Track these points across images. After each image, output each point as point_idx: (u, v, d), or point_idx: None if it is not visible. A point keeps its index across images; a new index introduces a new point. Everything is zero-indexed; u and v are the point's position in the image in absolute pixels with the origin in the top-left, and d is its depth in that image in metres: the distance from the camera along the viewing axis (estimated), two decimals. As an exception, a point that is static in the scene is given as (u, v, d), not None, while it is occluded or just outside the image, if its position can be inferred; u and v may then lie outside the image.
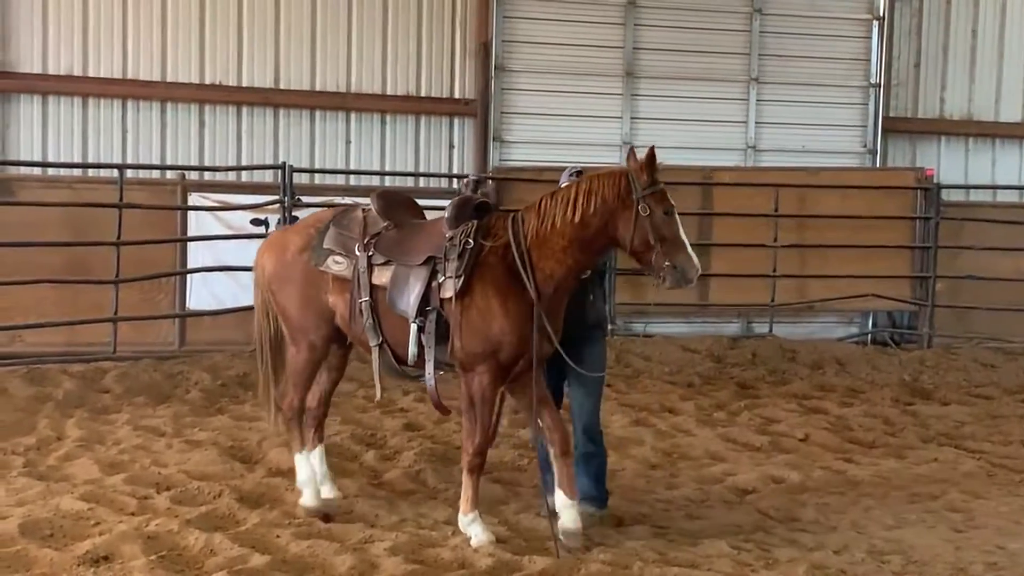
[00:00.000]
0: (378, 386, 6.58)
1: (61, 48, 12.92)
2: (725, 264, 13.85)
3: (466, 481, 6.32)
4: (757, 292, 13.98)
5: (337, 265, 6.57)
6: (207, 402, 10.12)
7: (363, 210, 6.73)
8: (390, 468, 7.86)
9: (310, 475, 6.75)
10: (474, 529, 6.22)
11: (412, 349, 6.28)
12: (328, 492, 6.87)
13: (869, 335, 14.66)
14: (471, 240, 6.25)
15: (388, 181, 13.36)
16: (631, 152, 6.25)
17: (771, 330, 14.05)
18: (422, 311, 6.26)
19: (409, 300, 6.30)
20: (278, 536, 6.14)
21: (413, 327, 6.26)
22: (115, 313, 11.27)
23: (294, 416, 6.86)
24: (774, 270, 13.86)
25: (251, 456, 8.10)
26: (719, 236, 13.90)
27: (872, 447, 9.17)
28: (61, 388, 10.12)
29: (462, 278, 6.17)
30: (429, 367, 6.27)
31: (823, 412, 10.38)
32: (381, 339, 6.43)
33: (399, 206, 6.76)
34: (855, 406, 10.70)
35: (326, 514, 6.62)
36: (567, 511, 6.24)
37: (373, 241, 6.51)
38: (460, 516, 6.33)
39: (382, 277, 6.42)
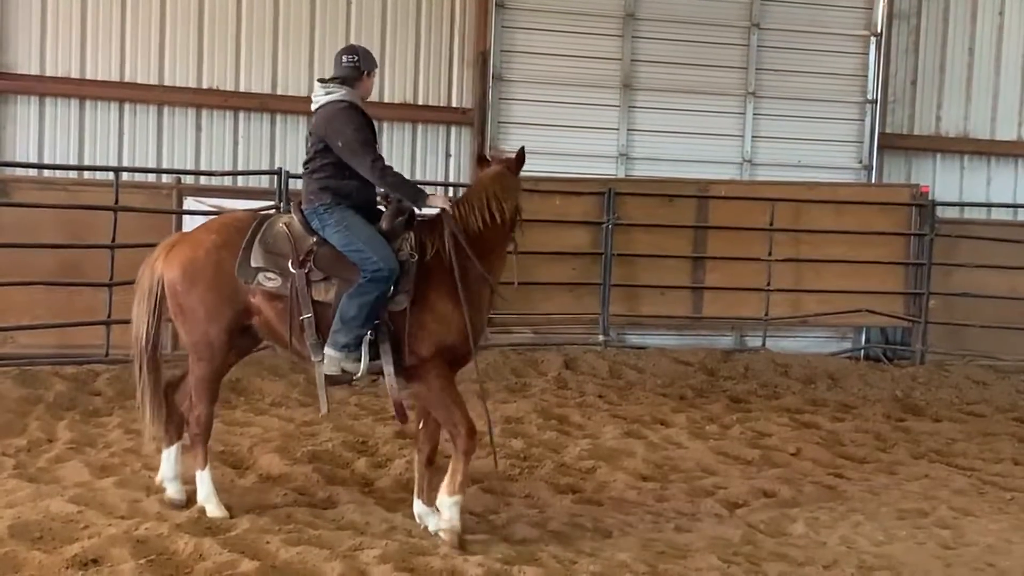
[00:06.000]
0: (323, 401, 6.59)
1: (59, 50, 12.94)
2: (719, 277, 13.91)
3: (461, 465, 6.35)
4: (751, 305, 14.00)
5: (270, 282, 6.51)
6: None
7: (284, 224, 6.66)
8: (381, 476, 7.84)
9: (212, 489, 6.70)
10: (452, 512, 6.30)
11: (364, 361, 6.37)
12: (175, 493, 6.77)
13: (862, 350, 14.68)
14: (415, 254, 6.48)
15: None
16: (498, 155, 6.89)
17: (764, 344, 14.05)
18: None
19: None
20: (268, 542, 6.11)
21: (365, 340, 6.37)
22: (108, 316, 11.27)
23: (203, 431, 6.75)
24: (768, 284, 13.88)
25: (242, 461, 8.08)
26: (714, 249, 13.94)
27: (863, 463, 9.16)
28: (53, 390, 10.08)
29: (411, 292, 6.37)
30: (390, 378, 6.41)
31: (815, 427, 10.37)
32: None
33: None
34: (847, 421, 10.70)
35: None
36: (428, 517, 6.59)
37: (309, 258, 6.50)
38: (444, 496, 6.36)
39: (323, 293, 6.48)
